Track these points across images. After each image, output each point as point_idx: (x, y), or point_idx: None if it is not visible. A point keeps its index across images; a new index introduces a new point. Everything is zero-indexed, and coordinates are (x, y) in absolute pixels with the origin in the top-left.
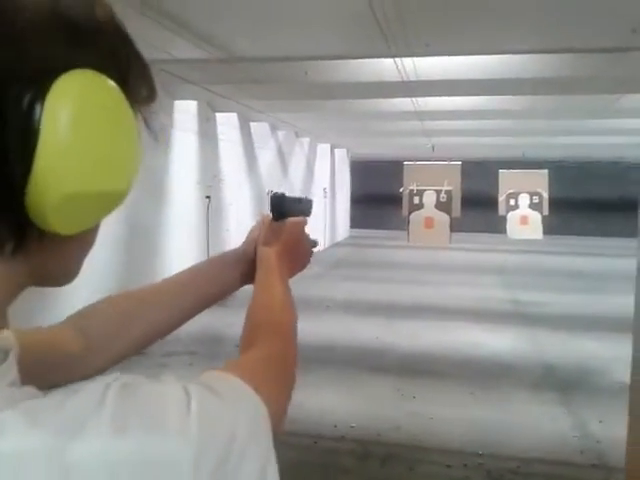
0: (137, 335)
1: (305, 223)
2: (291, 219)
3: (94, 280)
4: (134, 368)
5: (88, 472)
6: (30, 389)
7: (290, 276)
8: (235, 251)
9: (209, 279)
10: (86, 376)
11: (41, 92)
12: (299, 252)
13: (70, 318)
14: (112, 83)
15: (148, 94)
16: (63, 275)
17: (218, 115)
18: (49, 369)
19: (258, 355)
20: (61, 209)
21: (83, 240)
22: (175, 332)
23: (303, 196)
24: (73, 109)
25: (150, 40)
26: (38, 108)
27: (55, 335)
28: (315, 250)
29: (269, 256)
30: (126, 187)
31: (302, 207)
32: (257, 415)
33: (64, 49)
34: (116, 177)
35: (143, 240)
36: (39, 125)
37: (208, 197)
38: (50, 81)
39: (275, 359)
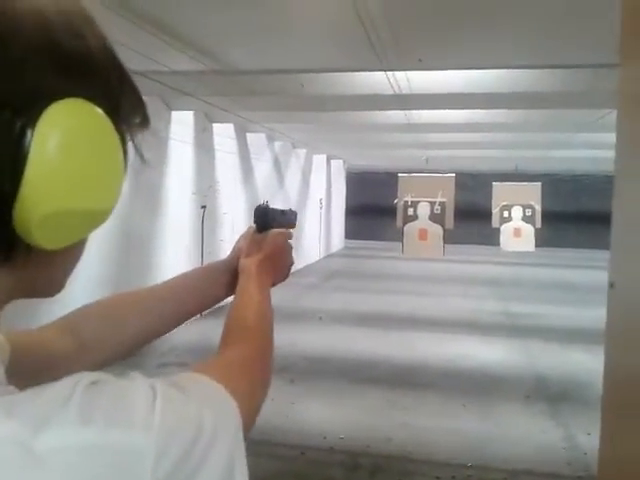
0: (128, 337)
1: (289, 235)
2: (274, 230)
3: (89, 289)
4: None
5: (55, 459)
6: (11, 388)
7: (272, 285)
8: (221, 262)
9: (195, 288)
10: None
11: (32, 119)
12: (280, 262)
13: (61, 319)
14: (100, 112)
15: (141, 121)
16: (49, 287)
17: (215, 126)
18: (40, 370)
19: (228, 356)
20: (46, 225)
21: (69, 254)
22: (169, 343)
23: (287, 208)
24: (61, 136)
25: (147, 53)
26: (29, 133)
27: (46, 336)
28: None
29: (249, 266)
30: (109, 206)
31: (286, 219)
32: (225, 410)
33: (56, 78)
34: (99, 197)
35: (138, 249)
36: (29, 149)
37: (204, 207)
38: (41, 108)
39: (245, 359)
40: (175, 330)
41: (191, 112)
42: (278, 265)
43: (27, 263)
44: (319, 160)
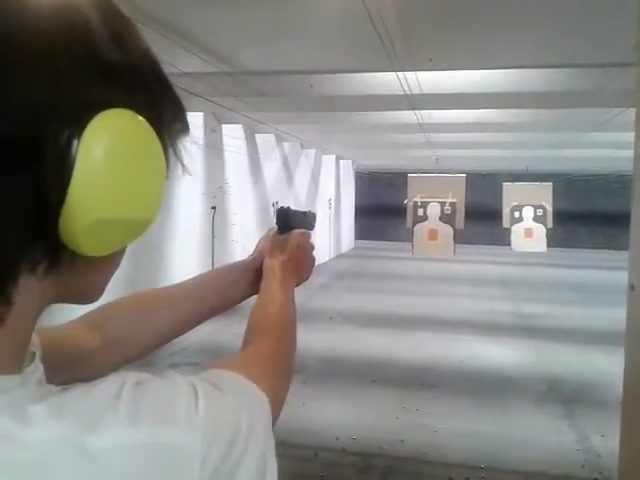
0: (152, 335)
1: (309, 236)
2: (296, 231)
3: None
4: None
5: (108, 458)
6: (53, 387)
7: (295, 285)
8: (243, 262)
9: (217, 287)
10: (102, 373)
11: (78, 129)
12: (303, 262)
13: (87, 316)
14: (144, 122)
15: (182, 128)
16: (90, 293)
17: (224, 127)
18: (65, 366)
19: (253, 352)
20: (91, 233)
21: (110, 261)
22: (181, 343)
23: (307, 209)
24: (107, 146)
25: (158, 54)
26: (75, 143)
27: (72, 333)
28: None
29: (273, 266)
30: (151, 216)
31: (306, 220)
32: (258, 406)
33: (102, 88)
34: (142, 207)
35: (149, 250)
36: (75, 159)
37: (213, 208)
38: (87, 119)
39: (269, 356)
40: None
41: (201, 113)
42: (301, 265)
43: (71, 270)
44: (328, 160)
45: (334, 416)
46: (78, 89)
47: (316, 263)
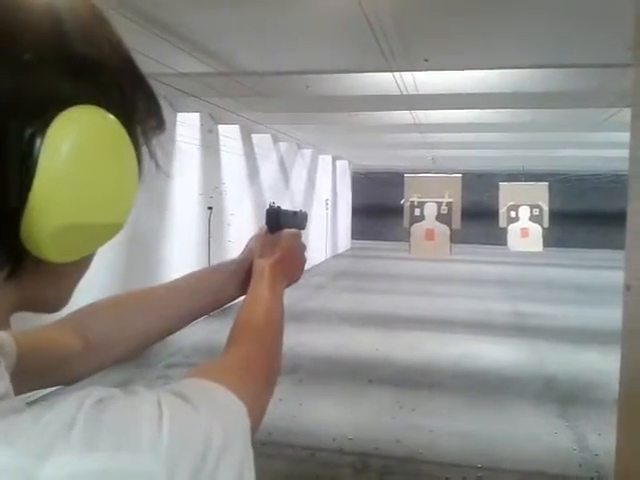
0: (135, 336)
1: (300, 236)
2: (287, 230)
3: (95, 290)
4: (136, 380)
5: None
6: (16, 402)
7: (286, 286)
8: (232, 261)
9: (205, 287)
10: (86, 375)
11: (42, 126)
12: (294, 263)
13: (68, 318)
14: (113, 119)
15: (156, 125)
16: (55, 301)
17: (220, 127)
18: (47, 369)
19: (233, 357)
20: (55, 239)
21: (77, 268)
22: (177, 344)
23: (298, 209)
24: (72, 145)
25: (154, 55)
26: (38, 141)
27: (53, 335)
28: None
29: (262, 267)
30: (121, 220)
31: (297, 220)
32: (234, 417)
33: (68, 84)
34: (112, 210)
35: (145, 250)
36: (38, 158)
37: (210, 208)
38: (52, 116)
39: (250, 360)
40: (182, 331)
41: (197, 114)
42: (292, 265)
43: (35, 277)
44: (325, 161)
45: (330, 416)
46: (43, 84)
47: (312, 263)
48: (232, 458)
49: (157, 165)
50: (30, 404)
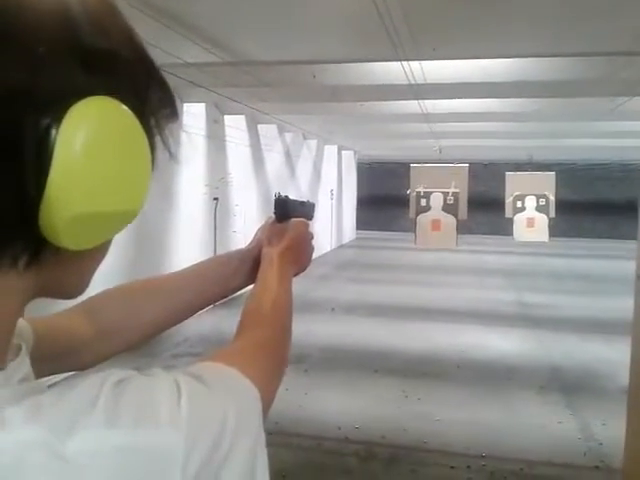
0: (145, 324)
1: (308, 225)
2: (295, 220)
3: (101, 281)
4: (143, 369)
5: (85, 462)
6: (37, 384)
7: (294, 274)
8: (240, 251)
9: (214, 276)
10: (97, 361)
11: (57, 117)
12: (302, 252)
13: (80, 305)
14: (127, 110)
15: (169, 113)
16: (73, 288)
17: (226, 117)
18: (60, 354)
19: (244, 342)
20: (72, 227)
21: (94, 256)
22: (183, 334)
23: (306, 199)
24: (87, 135)
25: (161, 45)
26: (53, 132)
27: (66, 322)
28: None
29: (271, 255)
30: (136, 207)
31: (305, 210)
32: (247, 400)
33: (81, 76)
34: (126, 198)
35: (151, 241)
36: (54, 148)
37: (216, 199)
38: (66, 107)
39: (261, 346)
40: (188, 321)
41: (202, 104)
42: (300, 254)
43: (53, 264)
44: (330, 151)
45: (336, 405)
46: (57, 75)
47: (318, 254)
48: (246, 441)
49: (170, 154)
50: (49, 387)
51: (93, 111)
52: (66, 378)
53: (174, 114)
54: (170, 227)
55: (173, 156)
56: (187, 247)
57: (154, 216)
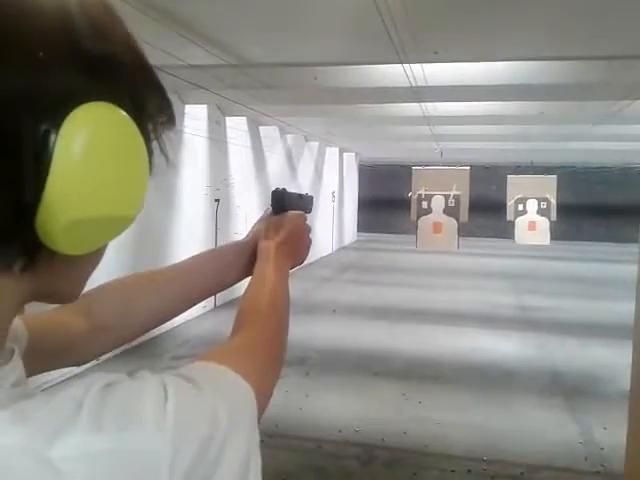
0: (142, 318)
1: (305, 218)
2: (292, 212)
3: (102, 282)
4: (134, 372)
5: (70, 467)
6: (28, 389)
7: (291, 268)
8: (238, 243)
9: (211, 269)
10: (94, 356)
11: (56, 123)
12: (299, 244)
13: (77, 300)
14: (125, 115)
15: (167, 120)
16: (68, 292)
17: (228, 119)
18: (58, 351)
19: (240, 340)
20: (69, 232)
21: (90, 259)
22: (182, 335)
23: (304, 192)
24: (86, 140)
25: (163, 46)
26: (52, 137)
27: (62, 318)
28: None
29: (268, 248)
30: (133, 213)
31: (303, 203)
32: (241, 400)
33: (81, 82)
34: (124, 203)
35: (152, 242)
36: (52, 153)
37: (217, 200)
38: (66, 113)
39: (257, 343)
40: (189, 322)
41: (204, 105)
42: (297, 246)
43: (48, 269)
44: (332, 153)
45: (337, 408)
46: (57, 81)
47: (319, 255)
48: (238, 440)
49: (167, 159)
50: (43, 390)
51: (92, 117)
52: (55, 386)
53: (171, 120)
54: (171, 228)
55: (170, 162)
56: (188, 248)
57: (155, 217)
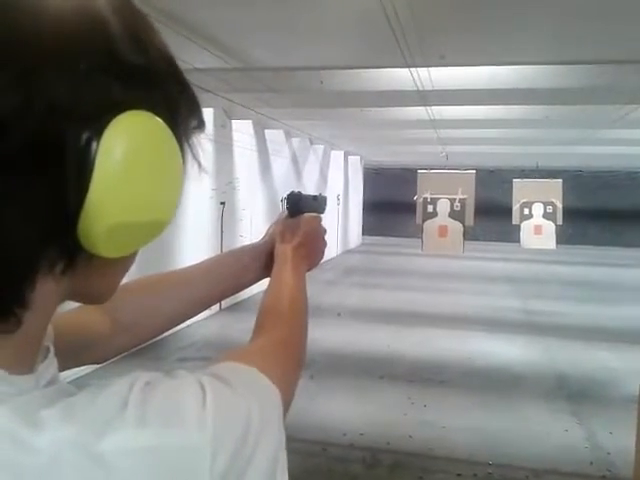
0: (162, 319)
1: (320, 219)
2: (307, 215)
3: None
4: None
5: (118, 462)
6: (66, 386)
7: (307, 270)
8: (253, 246)
9: (227, 271)
10: (114, 355)
11: (98, 131)
12: (315, 247)
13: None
14: (161, 123)
15: (197, 125)
16: (102, 293)
17: (234, 122)
18: (80, 350)
19: (263, 342)
20: (109, 236)
21: (124, 263)
22: (190, 338)
23: (317, 193)
24: (126, 148)
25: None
26: (94, 145)
27: (85, 316)
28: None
29: (285, 251)
30: (169, 217)
31: (317, 204)
32: (269, 400)
33: (121, 89)
34: (161, 209)
35: (158, 245)
36: (94, 161)
37: (222, 203)
38: (106, 121)
39: (280, 345)
40: (194, 325)
41: (210, 109)
42: (313, 249)
43: (86, 270)
44: (337, 156)
45: (342, 411)
46: (97, 90)
47: (324, 259)
48: (268, 440)
49: (199, 164)
50: (78, 388)
51: (132, 125)
52: (79, 378)
53: (201, 125)
54: (177, 231)
55: (202, 166)
56: (194, 251)
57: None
